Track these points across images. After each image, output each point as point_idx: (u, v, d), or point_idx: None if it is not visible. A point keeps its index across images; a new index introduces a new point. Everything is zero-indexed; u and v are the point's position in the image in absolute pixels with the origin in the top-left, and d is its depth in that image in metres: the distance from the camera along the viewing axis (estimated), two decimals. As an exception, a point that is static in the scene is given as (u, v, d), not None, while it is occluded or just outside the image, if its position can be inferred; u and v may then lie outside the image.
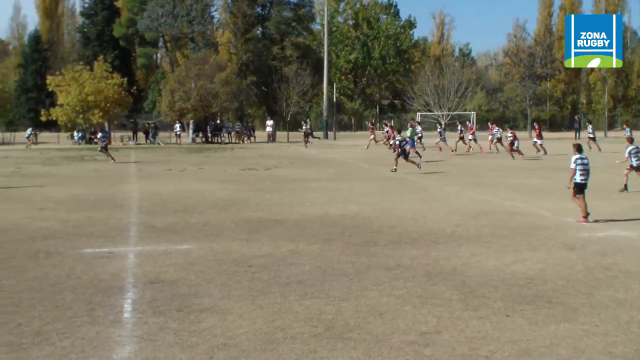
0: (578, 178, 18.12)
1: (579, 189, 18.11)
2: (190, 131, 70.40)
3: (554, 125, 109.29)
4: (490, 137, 50.77)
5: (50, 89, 69.51)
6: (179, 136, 67.61)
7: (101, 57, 74.25)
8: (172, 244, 15.23)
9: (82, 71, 67.15)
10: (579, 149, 18.52)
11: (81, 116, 65.30)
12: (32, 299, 10.73)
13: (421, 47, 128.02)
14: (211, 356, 8.27)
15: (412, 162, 32.84)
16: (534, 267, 12.90)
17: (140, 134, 69.49)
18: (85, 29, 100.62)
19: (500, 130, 51.21)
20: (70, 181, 29.37)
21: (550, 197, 23.40)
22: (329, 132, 77.88)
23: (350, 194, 24.64)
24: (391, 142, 32.14)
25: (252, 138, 71.03)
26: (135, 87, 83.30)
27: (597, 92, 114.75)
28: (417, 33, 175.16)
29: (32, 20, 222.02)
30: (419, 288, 11.39)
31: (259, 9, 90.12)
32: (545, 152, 45.54)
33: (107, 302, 10.52)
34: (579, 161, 18.17)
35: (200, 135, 69.40)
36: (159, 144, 65.08)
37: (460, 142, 49.65)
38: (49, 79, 68.63)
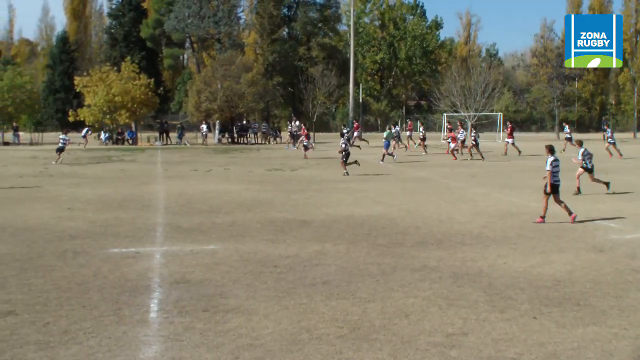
0: (553, 179, 18.18)
1: (554, 190, 18.19)
2: (217, 132, 70.61)
3: (582, 126, 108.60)
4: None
5: (77, 90, 70.07)
6: (205, 137, 67.80)
7: (128, 58, 74.83)
8: (198, 244, 15.28)
9: (109, 72, 67.66)
10: (551, 150, 18.55)
11: (108, 117, 65.69)
12: (60, 298, 10.81)
13: (448, 47, 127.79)
14: (237, 356, 8.29)
15: (345, 167, 32.40)
16: (561, 269, 12.82)
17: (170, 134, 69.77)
18: (113, 30, 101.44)
19: (465, 132, 52.01)
20: (98, 181, 29.55)
21: (578, 198, 23.22)
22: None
23: (376, 194, 24.61)
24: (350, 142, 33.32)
25: (277, 139, 71.14)
26: (161, 88, 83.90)
27: (627, 93, 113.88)
28: (444, 33, 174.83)
29: (60, 21, 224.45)
30: (445, 289, 11.35)
31: (285, 10, 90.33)
32: (520, 152, 46.82)
33: (134, 302, 10.58)
34: (555, 163, 18.21)
35: (227, 135, 69.62)
36: (185, 144, 65.31)
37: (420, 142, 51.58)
38: (77, 79, 69.18)
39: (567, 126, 56.71)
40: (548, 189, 18.20)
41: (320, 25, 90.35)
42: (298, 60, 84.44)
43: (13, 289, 11.31)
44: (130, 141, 66.80)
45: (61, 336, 8.95)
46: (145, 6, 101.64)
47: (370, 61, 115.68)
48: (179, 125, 70.40)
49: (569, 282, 11.85)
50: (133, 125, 69.45)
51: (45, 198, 23.57)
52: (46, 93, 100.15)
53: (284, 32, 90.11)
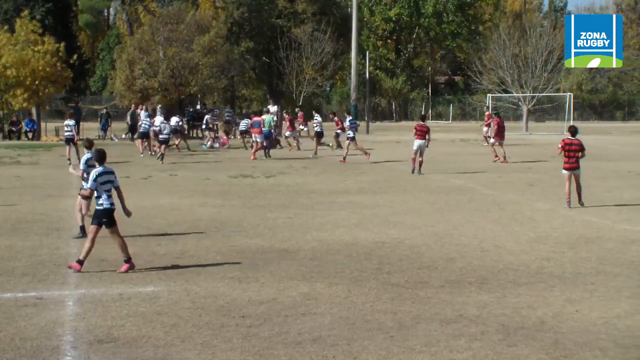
0: (105, 202, 16.69)
1: (108, 218, 16.68)
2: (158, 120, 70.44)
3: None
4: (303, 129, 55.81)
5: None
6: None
7: (26, 11, 74.23)
8: (130, 284, 15.26)
9: (-2, 33, 67.29)
10: (100, 156, 17.22)
11: (-4, 99, 65.41)
12: None
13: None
14: None
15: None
16: (660, 321, 12.86)
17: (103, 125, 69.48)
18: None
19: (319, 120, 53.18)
20: (-17, 193, 29.48)
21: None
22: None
23: (390, 212, 24.64)
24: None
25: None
26: (76, 57, 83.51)
27: None
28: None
29: None
30: (491, 350, 11.36)
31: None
32: (339, 146, 48.37)
33: (36, 370, 10.54)
34: (102, 177, 16.81)
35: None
36: (111, 138, 65.26)
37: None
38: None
39: (316, 116, 54.73)
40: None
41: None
42: (277, 17, 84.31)
43: None
44: (31, 134, 66.64)
45: None
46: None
47: (382, 19, 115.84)
48: (103, 112, 70.31)
49: (670, 339, 11.89)
50: (34, 111, 69.23)
51: None
52: None
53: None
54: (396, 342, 11.71)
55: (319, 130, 48.78)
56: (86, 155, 19.51)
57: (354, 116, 76.26)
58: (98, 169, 16.89)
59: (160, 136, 45.37)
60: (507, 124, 59.55)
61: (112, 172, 17.05)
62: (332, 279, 15.63)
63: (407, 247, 19.01)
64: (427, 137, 35.80)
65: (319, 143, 47.89)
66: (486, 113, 57.08)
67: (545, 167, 39.03)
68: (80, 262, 16.43)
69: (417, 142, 35.68)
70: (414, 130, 36.54)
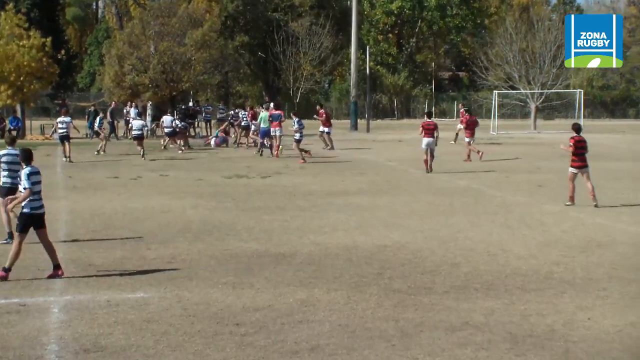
0: (29, 205, 16.44)
1: (28, 223, 16.56)
2: (149, 118, 70.34)
3: None
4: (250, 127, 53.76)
5: None
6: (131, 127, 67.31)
7: (11, 4, 74.18)
8: (118, 290, 15.20)
9: (-20, 27, 67.20)
10: (27, 158, 16.90)
11: (-22, 96, 65.32)
12: None
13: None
14: None
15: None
16: (676, 329, 12.81)
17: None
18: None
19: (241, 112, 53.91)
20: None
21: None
22: (358, 121, 77.76)
23: (392, 214, 24.60)
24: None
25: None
26: (64, 52, 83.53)
27: None
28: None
29: None
30: (498, 359, 11.32)
31: None
32: (332, 147, 48.70)
33: (19, 381, 10.49)
34: (35, 177, 16.59)
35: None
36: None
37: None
38: None
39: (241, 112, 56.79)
40: (11, 206, 17.09)
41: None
42: (273, 10, 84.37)
43: None
44: (15, 133, 66.55)
45: None
46: None
47: (383, 12, 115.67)
48: (90, 109, 70.21)
49: (687, 349, 11.85)
50: (18, 108, 69.17)
51: None
52: None
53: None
54: (398, 351, 11.67)
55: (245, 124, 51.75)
56: (4, 150, 19.67)
57: (353, 114, 76.42)
58: (27, 168, 16.56)
59: (133, 132, 46.41)
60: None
61: (40, 173, 16.85)
62: (331, 285, 15.59)
63: (409, 251, 18.97)
64: (435, 134, 35.84)
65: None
66: (460, 110, 57.45)
67: (554, 168, 38.99)
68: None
69: (425, 140, 35.77)
70: (421, 129, 36.57)
